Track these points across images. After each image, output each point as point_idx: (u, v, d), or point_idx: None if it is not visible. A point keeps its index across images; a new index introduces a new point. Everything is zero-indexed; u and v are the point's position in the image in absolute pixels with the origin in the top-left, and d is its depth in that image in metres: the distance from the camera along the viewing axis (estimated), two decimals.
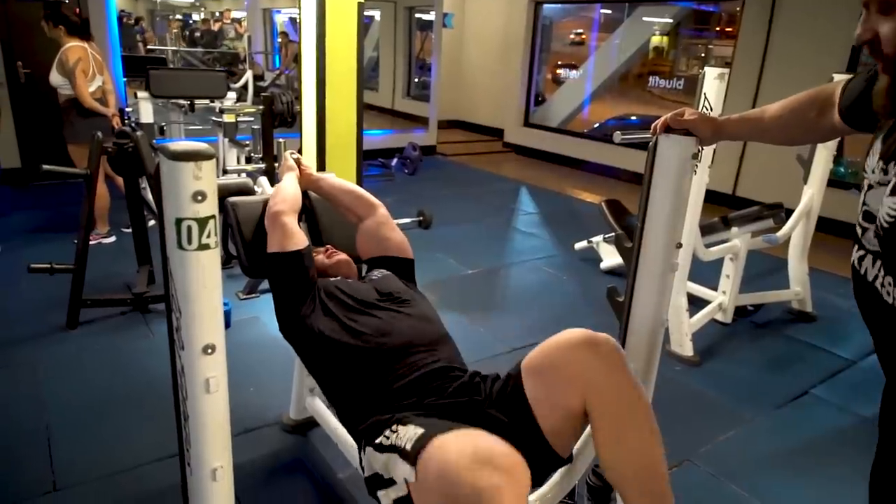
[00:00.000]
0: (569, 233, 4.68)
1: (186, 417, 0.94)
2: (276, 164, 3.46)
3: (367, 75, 11.52)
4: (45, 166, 2.73)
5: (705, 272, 3.29)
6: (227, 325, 2.99)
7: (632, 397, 1.26)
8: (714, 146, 2.92)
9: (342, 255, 1.81)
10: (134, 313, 3.06)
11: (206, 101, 4.88)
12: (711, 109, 2.61)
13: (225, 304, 3.00)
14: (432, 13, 8.31)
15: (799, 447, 2.33)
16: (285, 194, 1.75)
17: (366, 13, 12.29)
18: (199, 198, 0.83)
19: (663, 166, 1.45)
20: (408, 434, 1.14)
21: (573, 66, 8.57)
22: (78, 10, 5.02)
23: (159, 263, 3.19)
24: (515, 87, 8.30)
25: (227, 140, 4.78)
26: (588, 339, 1.25)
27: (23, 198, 4.83)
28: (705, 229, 3.17)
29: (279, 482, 2.01)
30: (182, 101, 5.28)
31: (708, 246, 3.13)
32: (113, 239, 4.08)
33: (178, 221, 0.83)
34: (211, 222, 0.85)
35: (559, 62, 8.75)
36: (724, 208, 3.42)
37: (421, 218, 4.83)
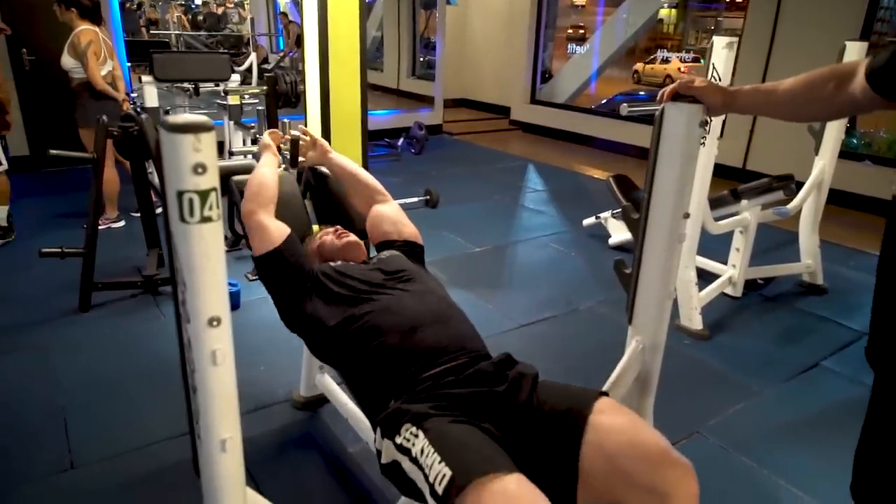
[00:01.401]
0: (577, 209, 4.66)
1: (195, 390, 0.95)
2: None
3: (371, 55, 11.44)
4: (52, 151, 2.74)
5: (715, 246, 3.27)
6: (237, 305, 3.01)
7: None
8: (723, 118, 2.89)
9: (351, 238, 1.75)
10: (144, 296, 3.09)
11: (211, 85, 4.86)
12: (720, 80, 2.57)
13: (234, 286, 3.04)
14: None
15: (809, 419, 2.33)
16: (256, 186, 1.64)
17: None
18: (200, 170, 0.82)
19: (670, 134, 1.43)
20: (434, 468, 1.10)
21: (580, 41, 8.46)
22: None
23: (165, 247, 3.22)
24: (521, 64, 8.20)
25: (232, 123, 4.78)
26: (681, 465, 1.15)
27: (32, 184, 4.86)
28: (714, 202, 3.14)
29: (290, 457, 2.03)
30: (187, 85, 5.26)
31: (717, 219, 3.10)
32: (122, 223, 4.11)
33: (180, 194, 0.83)
34: (212, 195, 0.84)
35: (565, 37, 8.64)
36: (734, 182, 3.38)
37: (428, 197, 4.84)
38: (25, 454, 1.99)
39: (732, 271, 3.24)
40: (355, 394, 1.51)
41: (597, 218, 4.20)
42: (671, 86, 1.42)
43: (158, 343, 2.66)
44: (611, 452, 1.16)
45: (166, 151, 0.83)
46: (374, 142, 6.78)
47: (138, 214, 3.27)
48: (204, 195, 0.84)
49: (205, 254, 0.86)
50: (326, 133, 2.98)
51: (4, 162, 3.62)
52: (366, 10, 2.98)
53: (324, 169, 2.00)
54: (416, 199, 4.71)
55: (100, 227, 3.18)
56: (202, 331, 0.90)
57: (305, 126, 3.13)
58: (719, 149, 2.82)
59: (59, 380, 2.39)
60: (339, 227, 1.82)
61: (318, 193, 2.05)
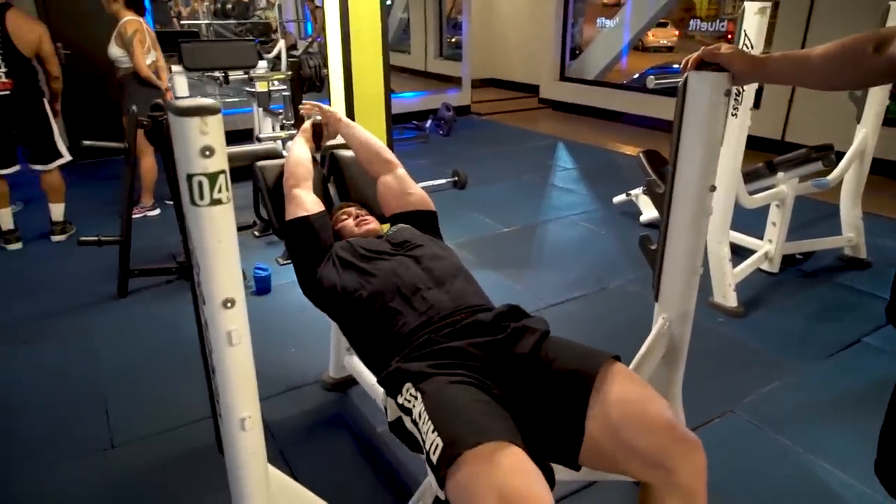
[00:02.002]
0: (607, 187, 4.57)
1: (213, 371, 0.97)
2: None
3: (398, 38, 11.38)
4: (85, 142, 2.81)
5: (750, 221, 3.17)
6: (268, 289, 3.07)
7: None
8: (757, 87, 2.79)
9: (372, 224, 1.80)
10: (179, 281, 3.17)
11: (241, 73, 4.91)
12: (752, 48, 2.47)
13: (265, 270, 3.09)
14: None
15: (848, 397, 2.26)
16: (293, 167, 1.77)
17: None
18: (208, 153, 0.83)
19: (694, 104, 1.39)
20: (429, 437, 1.11)
21: (609, 14, 8.24)
22: None
23: None
24: (549, 41, 8.05)
25: (261, 109, 4.82)
26: (687, 440, 1.15)
27: (71, 175, 5.00)
28: (749, 176, 3.04)
29: (321, 437, 2.07)
30: (217, 74, 5.33)
31: (752, 193, 3.01)
32: (158, 211, 4.21)
33: (189, 177, 0.84)
34: (221, 177, 0.85)
35: (594, 11, 8.43)
36: (772, 155, 3.25)
37: (456, 178, 4.82)
38: (68, 434, 2.07)
39: (769, 246, 3.15)
40: (363, 358, 1.57)
41: (627, 195, 4.12)
42: (695, 54, 1.37)
43: (193, 327, 2.69)
44: (615, 424, 1.15)
45: (175, 136, 0.84)
46: (402, 124, 6.78)
47: (171, 202, 3.34)
48: (213, 178, 0.84)
49: (216, 236, 0.87)
50: (350, 115, 2.97)
51: (67, 154, 3.72)
52: None
53: (345, 152, 2.02)
54: (443, 181, 4.70)
55: (135, 216, 3.27)
56: (217, 312, 0.91)
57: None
58: (755, 120, 2.73)
59: (99, 363, 2.48)
60: (359, 211, 1.85)
61: (340, 177, 2.06)
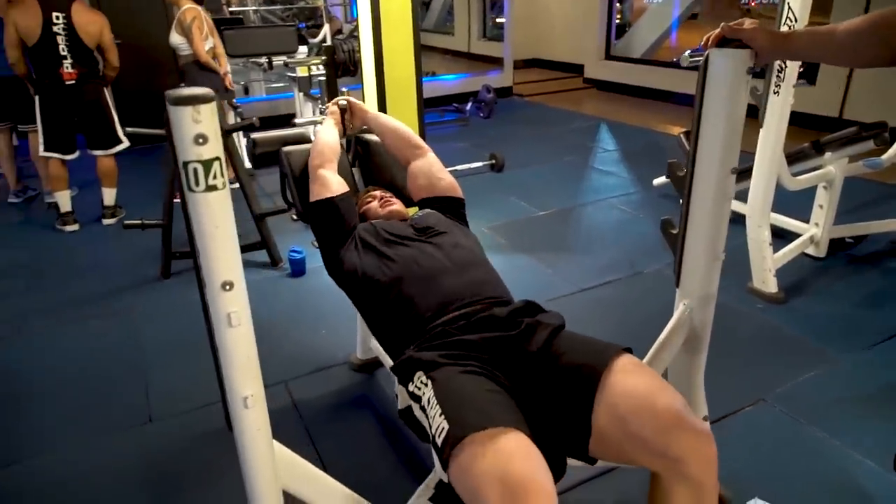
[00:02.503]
0: (649, 169, 4.45)
1: (217, 351, 1.00)
2: None
3: (442, 19, 11.30)
4: (128, 129, 2.92)
5: (798, 203, 3.04)
6: (303, 271, 3.14)
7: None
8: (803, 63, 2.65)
9: (395, 206, 1.80)
10: None
11: (283, 59, 5.00)
12: (796, 22, 2.34)
13: (300, 253, 3.16)
14: None
15: (890, 390, 2.15)
16: (321, 147, 1.77)
17: None
18: (201, 140, 0.85)
19: (715, 83, 1.34)
20: (435, 420, 1.12)
21: None
22: None
23: (240, 217, 3.38)
24: (595, 18, 7.83)
25: (302, 94, 4.90)
26: (697, 431, 1.12)
27: (123, 160, 5.23)
28: (794, 157, 2.91)
29: (345, 416, 2.12)
30: (261, 60, 5.45)
31: (799, 175, 2.87)
32: None
33: (185, 164, 0.87)
34: (216, 164, 0.87)
35: None
36: (828, 134, 3.09)
37: (493, 161, 4.78)
38: (110, 406, 2.19)
39: (815, 230, 3.01)
40: (381, 342, 1.58)
41: (668, 177, 4.00)
42: (716, 30, 1.31)
43: None
44: (623, 415, 1.13)
45: (172, 124, 0.86)
46: (443, 107, 6.75)
47: None
48: (207, 164, 0.87)
49: (213, 221, 0.90)
50: (382, 99, 2.99)
51: (126, 140, 3.89)
52: None
53: (370, 136, 2.03)
54: (480, 164, 4.67)
55: (177, 200, 3.37)
56: (217, 295, 0.94)
57: (362, 93, 3.17)
58: (811, 98, 2.61)
59: (141, 341, 2.60)
60: (384, 194, 1.86)
61: (366, 162, 2.08)
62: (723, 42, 1.30)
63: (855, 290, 2.81)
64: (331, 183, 1.69)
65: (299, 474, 1.23)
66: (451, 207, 1.78)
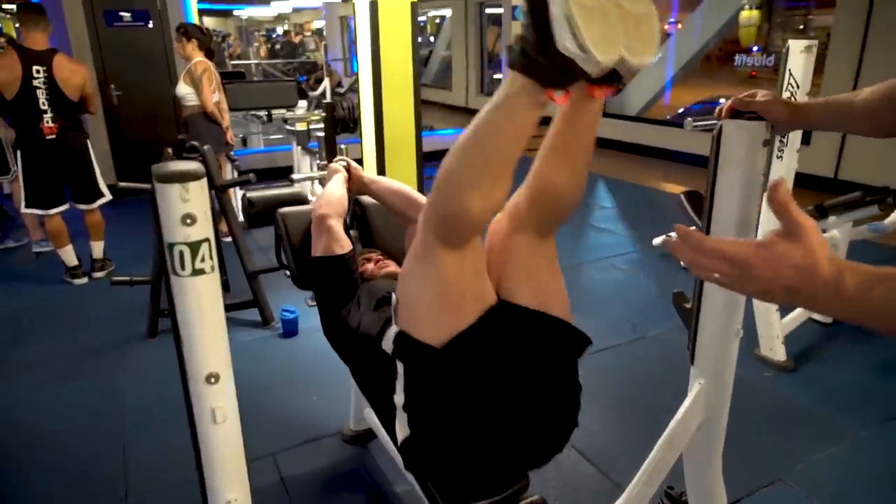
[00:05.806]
0: (648, 227, 4.41)
1: (198, 449, 0.90)
2: None
3: (440, 75, 11.53)
4: (121, 184, 2.87)
5: None
6: (295, 332, 3.03)
7: None
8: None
9: (392, 267, 1.75)
10: None
11: (283, 111, 5.03)
12: (798, 88, 2.34)
13: (292, 312, 3.06)
14: (502, 7, 8.16)
15: None
16: (330, 197, 1.72)
17: (436, 12, 12.32)
18: (189, 221, 0.78)
19: (729, 155, 1.28)
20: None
21: None
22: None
23: (232, 273, 3.30)
24: None
25: (300, 148, 4.90)
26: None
27: (117, 212, 5.17)
28: None
29: (335, 494, 1.98)
30: (260, 113, 5.49)
31: None
32: None
33: (171, 246, 0.79)
34: (204, 246, 0.80)
35: None
36: (825, 195, 3.07)
37: None
38: (83, 478, 2.05)
39: None
40: (376, 410, 1.50)
41: (668, 237, 3.95)
42: (729, 101, 1.27)
43: None
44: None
45: (158, 201, 0.79)
46: (439, 161, 6.77)
47: None
48: (195, 247, 0.79)
49: (199, 307, 0.82)
50: (381, 156, 2.96)
51: (108, 193, 3.84)
52: (418, 30, 2.96)
53: (369, 198, 1.98)
54: None
55: None
56: (201, 388, 0.86)
57: (361, 148, 3.15)
58: (806, 157, 2.58)
59: (123, 404, 2.47)
60: (380, 257, 1.80)
61: (364, 224, 2.02)
62: (735, 114, 1.26)
63: (867, 358, 2.72)
64: (341, 238, 1.63)
65: None
66: None
